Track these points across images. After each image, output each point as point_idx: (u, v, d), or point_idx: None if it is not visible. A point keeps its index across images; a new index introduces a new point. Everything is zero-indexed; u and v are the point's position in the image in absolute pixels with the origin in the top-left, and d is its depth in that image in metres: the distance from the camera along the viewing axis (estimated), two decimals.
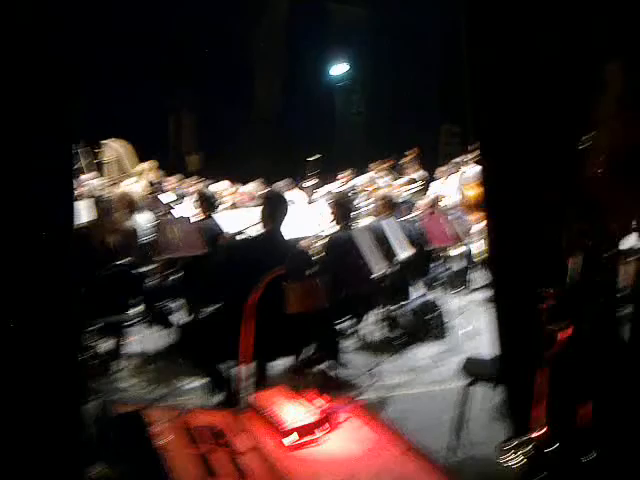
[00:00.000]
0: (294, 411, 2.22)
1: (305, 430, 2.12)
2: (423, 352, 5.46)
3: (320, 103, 14.55)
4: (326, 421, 2.18)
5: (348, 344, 5.60)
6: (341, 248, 4.75)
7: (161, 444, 1.97)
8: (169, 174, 10.19)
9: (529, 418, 1.62)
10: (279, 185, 8.77)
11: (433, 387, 4.71)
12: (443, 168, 10.12)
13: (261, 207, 3.88)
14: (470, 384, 3.50)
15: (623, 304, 1.56)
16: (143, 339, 4.67)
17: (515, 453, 1.52)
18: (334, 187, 9.55)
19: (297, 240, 5.64)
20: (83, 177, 9.39)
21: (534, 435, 1.50)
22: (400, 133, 12.40)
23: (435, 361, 5.30)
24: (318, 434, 2.11)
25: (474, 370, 3.50)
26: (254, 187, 6.97)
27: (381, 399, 4.20)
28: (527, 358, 1.90)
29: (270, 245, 3.59)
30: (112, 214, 5.00)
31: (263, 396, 2.35)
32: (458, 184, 9.31)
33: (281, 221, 3.84)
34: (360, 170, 11.03)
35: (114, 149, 10.41)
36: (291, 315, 2.53)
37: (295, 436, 2.07)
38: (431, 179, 10.37)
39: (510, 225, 2.58)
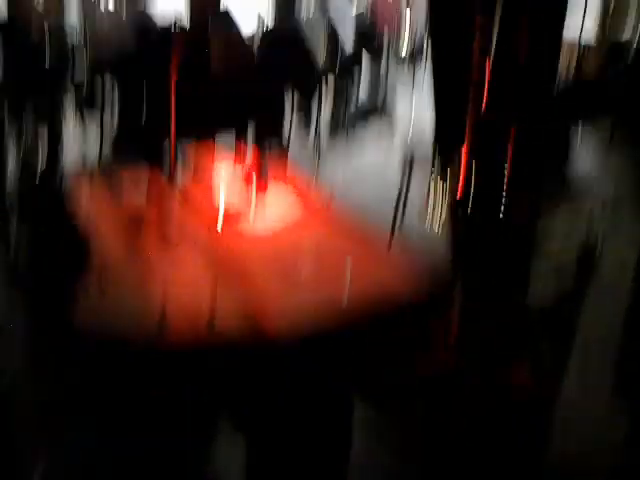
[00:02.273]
0: (226, 175, 2.14)
1: (235, 205, 2.06)
2: None
3: None
4: (260, 188, 2.11)
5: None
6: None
7: (82, 206, 1.90)
8: None
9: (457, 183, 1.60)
10: None
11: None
12: None
13: None
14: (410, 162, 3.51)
15: None
16: None
17: (436, 216, 1.52)
18: None
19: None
20: None
21: (455, 195, 1.48)
22: None
23: None
24: (248, 208, 2.05)
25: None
26: None
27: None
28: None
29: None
30: None
31: (198, 156, 2.24)
32: None
33: None
34: None
35: None
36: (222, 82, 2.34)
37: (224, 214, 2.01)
38: None
39: None
